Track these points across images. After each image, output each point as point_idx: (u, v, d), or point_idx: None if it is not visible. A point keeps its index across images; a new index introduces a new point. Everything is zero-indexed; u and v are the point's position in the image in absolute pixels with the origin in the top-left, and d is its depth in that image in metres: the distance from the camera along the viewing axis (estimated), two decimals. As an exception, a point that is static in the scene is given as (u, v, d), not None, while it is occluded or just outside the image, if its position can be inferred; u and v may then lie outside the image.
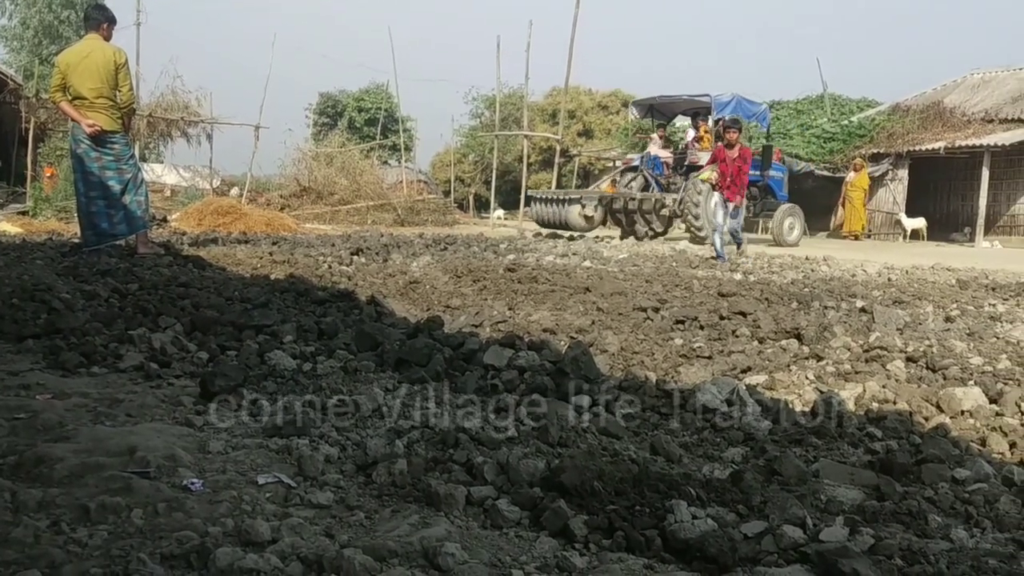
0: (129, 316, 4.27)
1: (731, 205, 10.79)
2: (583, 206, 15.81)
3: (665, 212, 15.83)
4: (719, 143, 11.67)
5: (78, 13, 35.71)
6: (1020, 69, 24.10)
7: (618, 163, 19.68)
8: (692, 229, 15.27)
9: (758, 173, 15.75)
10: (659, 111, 18.49)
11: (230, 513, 1.89)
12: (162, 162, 26.78)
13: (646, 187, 16.79)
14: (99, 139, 7.43)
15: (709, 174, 12.30)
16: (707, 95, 16.27)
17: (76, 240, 7.87)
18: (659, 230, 16.42)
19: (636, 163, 17.30)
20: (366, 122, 32.54)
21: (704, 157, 15.16)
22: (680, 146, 17.67)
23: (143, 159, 25.65)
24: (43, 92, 19.61)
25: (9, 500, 1.84)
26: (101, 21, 7.63)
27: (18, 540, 1.65)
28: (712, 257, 10.33)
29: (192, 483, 2.05)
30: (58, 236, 10.39)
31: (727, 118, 13.28)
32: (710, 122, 16.09)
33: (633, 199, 16.07)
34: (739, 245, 11.33)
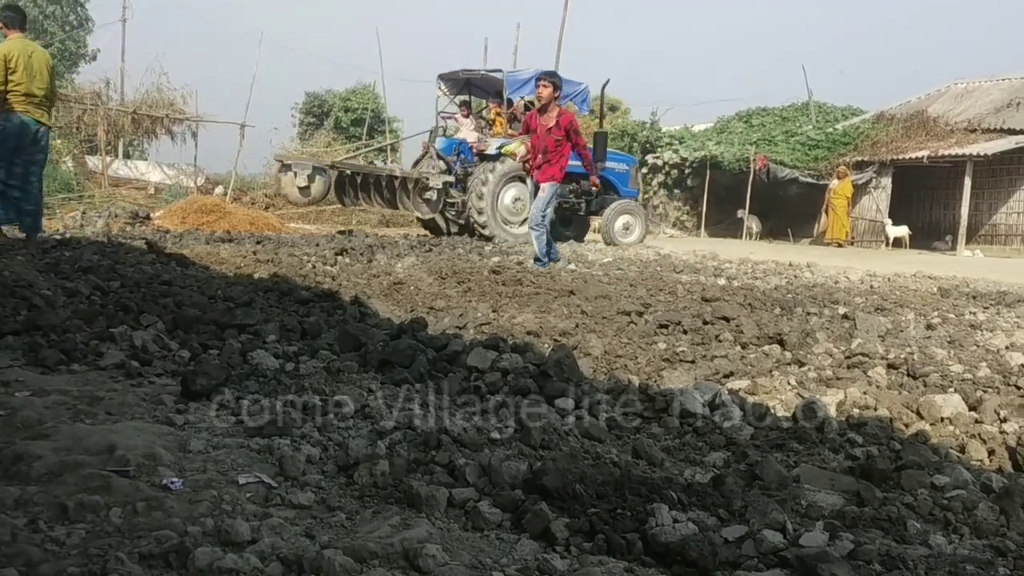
0: (110, 314, 4.24)
1: (544, 188, 8.13)
2: (295, 174, 13.45)
3: (431, 195, 13.46)
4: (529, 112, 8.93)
5: (64, 8, 35.51)
6: (1003, 79, 24.34)
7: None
8: (475, 223, 13.41)
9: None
10: (478, 87, 15.71)
11: (210, 513, 1.88)
12: (146, 159, 26.62)
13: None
14: (41, 133, 7.68)
15: (516, 146, 9.94)
16: (499, 70, 14.36)
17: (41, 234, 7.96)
18: (429, 215, 14.06)
19: (439, 149, 14.54)
20: (352, 122, 32.39)
21: (495, 145, 13.59)
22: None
23: (128, 156, 25.54)
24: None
25: (-14, 498, 1.83)
26: (23, 22, 7.85)
27: (-6, 538, 1.63)
28: (535, 260, 8.32)
29: (172, 482, 2.04)
30: (40, 233, 10.29)
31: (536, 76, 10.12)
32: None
33: (394, 176, 13.72)
34: (536, 260, 8.15)
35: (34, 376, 3.05)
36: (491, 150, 13.61)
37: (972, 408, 3.26)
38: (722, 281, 7.83)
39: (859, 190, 22.64)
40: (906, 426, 3.13)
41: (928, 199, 23.93)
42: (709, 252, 12.38)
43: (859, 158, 23.06)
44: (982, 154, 20.18)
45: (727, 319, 5.00)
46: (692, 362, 4.02)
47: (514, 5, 34.07)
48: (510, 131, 14.20)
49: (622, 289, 6.49)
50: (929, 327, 5.29)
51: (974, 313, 6.15)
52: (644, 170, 26.50)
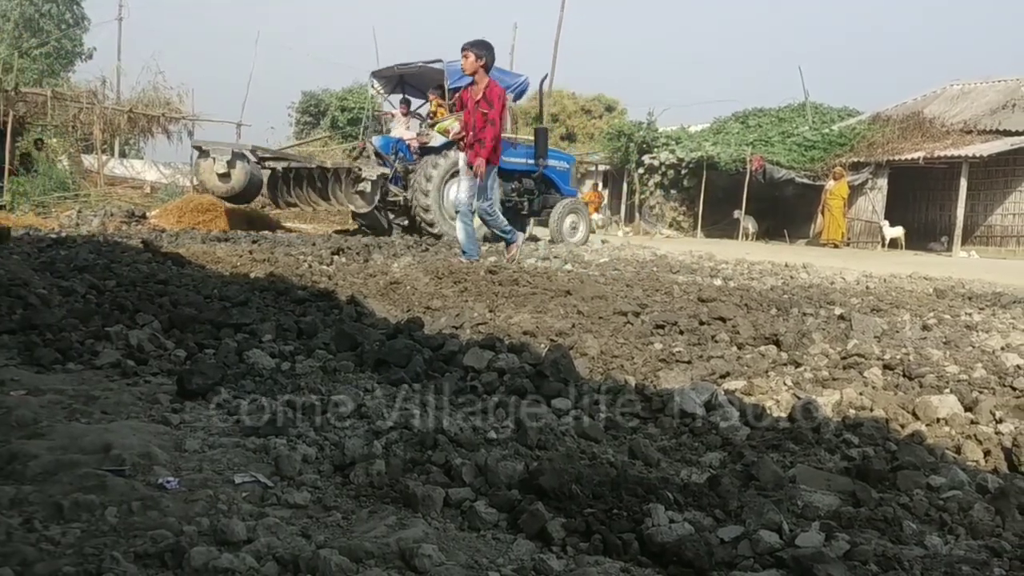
0: (106, 313, 4.23)
1: (479, 174, 7.77)
2: (214, 160, 12.69)
3: (365, 187, 12.86)
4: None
5: (60, 7, 35.44)
6: (999, 81, 24.41)
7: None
8: (422, 220, 12.97)
9: (532, 162, 13.77)
10: (411, 84, 15.36)
11: (206, 512, 1.88)
12: (142, 158, 26.58)
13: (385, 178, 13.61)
14: None
15: (450, 123, 9.51)
16: (439, 60, 13.73)
17: None
18: (364, 208, 13.37)
19: (376, 147, 13.94)
20: (349, 121, 32.39)
21: (437, 138, 13.12)
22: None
23: (123, 155, 25.50)
24: (22, 85, 19.46)
25: (-19, 497, 1.82)
26: None
27: (-11, 537, 1.63)
28: (460, 253, 8.17)
29: (168, 481, 2.04)
30: (35, 231, 10.29)
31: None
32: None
33: (325, 168, 13.24)
34: (508, 243, 8.10)
35: (29, 375, 3.04)
36: (434, 143, 13.23)
37: (968, 409, 3.26)
38: (718, 282, 7.83)
39: (855, 191, 22.70)
40: (902, 427, 3.13)
41: (924, 200, 23.99)
42: (705, 253, 12.39)
43: (855, 159, 23.13)
44: (978, 155, 20.24)
45: (723, 320, 5.00)
46: (688, 362, 4.02)
47: (512, 5, 34.10)
48: None
49: (618, 289, 6.49)
50: (925, 328, 5.30)
51: (970, 314, 6.16)
52: (640, 170, 26.57)
